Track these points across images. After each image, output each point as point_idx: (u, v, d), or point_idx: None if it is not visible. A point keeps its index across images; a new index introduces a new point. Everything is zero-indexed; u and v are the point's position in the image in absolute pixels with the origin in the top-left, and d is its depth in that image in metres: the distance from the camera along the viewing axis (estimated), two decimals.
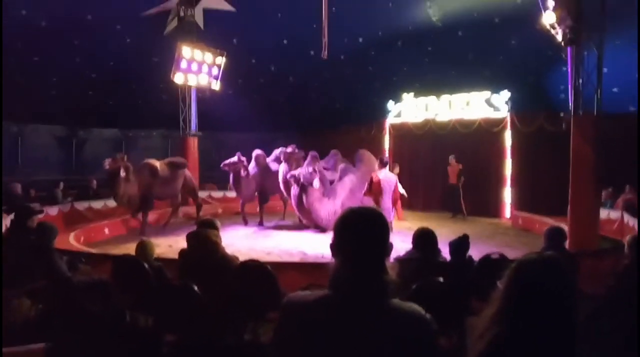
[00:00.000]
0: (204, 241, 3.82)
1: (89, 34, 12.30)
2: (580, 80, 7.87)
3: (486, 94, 12.67)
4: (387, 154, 13.99)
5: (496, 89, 12.56)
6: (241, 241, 9.19)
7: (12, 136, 14.76)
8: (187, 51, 12.21)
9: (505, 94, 12.44)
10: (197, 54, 12.41)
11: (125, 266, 3.68)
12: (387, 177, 9.15)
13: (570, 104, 8.02)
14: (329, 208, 9.54)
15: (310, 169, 9.53)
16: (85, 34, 12.31)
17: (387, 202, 8.81)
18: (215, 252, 3.81)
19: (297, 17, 12.57)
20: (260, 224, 11.05)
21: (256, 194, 11.29)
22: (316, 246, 8.44)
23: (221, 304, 3.12)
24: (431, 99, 13.48)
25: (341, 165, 10.38)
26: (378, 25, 13.77)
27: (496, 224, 11.75)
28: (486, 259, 4.17)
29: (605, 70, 7.92)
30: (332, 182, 10.06)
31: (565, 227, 5.57)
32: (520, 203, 12.18)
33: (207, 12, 13.17)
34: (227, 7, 12.98)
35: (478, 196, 12.58)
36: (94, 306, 2.58)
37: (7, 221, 6.24)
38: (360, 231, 1.50)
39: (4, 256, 3.48)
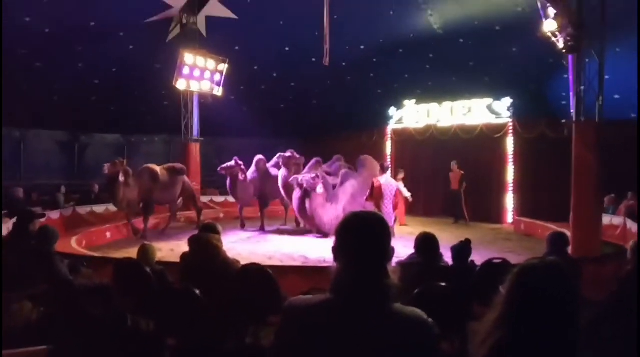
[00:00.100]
0: (205, 245, 3.83)
1: (92, 41, 12.37)
2: (582, 87, 7.88)
3: (488, 100, 12.68)
4: (388, 160, 14.00)
5: (498, 96, 12.58)
6: (242, 245, 9.19)
7: (15, 141, 14.81)
8: (190, 58, 12.27)
9: (507, 101, 12.45)
10: (200, 60, 12.46)
11: (127, 270, 3.68)
12: (388, 182, 9.17)
13: (572, 111, 8.03)
14: (331, 213, 9.53)
15: (313, 175, 9.54)
16: (88, 41, 12.37)
17: (388, 206, 8.82)
18: (217, 256, 3.81)
19: (299, 24, 12.63)
20: (262, 228, 11.05)
21: (256, 198, 11.29)
22: (318, 250, 8.44)
23: (222, 307, 3.12)
24: (433, 105, 13.50)
25: (342, 171, 10.39)
26: (379, 32, 13.82)
27: (498, 230, 11.73)
28: (488, 264, 4.17)
29: (607, 77, 7.93)
30: (333, 187, 10.07)
31: (568, 233, 5.56)
32: (522, 209, 12.16)
33: (210, 19, 13.25)
34: (229, 14, 13.05)
35: (480, 201, 12.57)
36: (95, 310, 2.58)
37: (9, 225, 6.25)
38: (362, 235, 1.50)
39: (6, 259, 3.48)
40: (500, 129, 12.49)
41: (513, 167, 12.49)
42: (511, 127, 12.39)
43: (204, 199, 13.66)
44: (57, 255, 3.97)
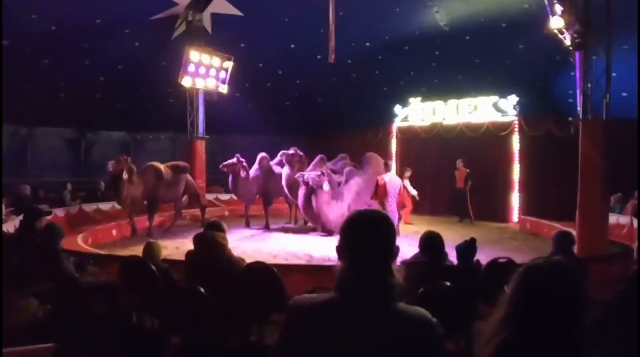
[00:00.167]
0: (210, 243, 3.84)
1: (97, 38, 12.40)
2: (589, 85, 7.83)
3: (494, 98, 12.62)
4: (394, 158, 13.98)
5: (504, 94, 12.52)
6: (247, 243, 9.20)
7: (22, 138, 14.90)
8: (195, 55, 12.28)
9: (513, 99, 12.39)
10: (205, 57, 12.47)
11: (133, 267, 3.70)
12: (392, 180, 9.15)
13: (579, 109, 7.98)
14: (337, 211, 9.53)
15: (319, 172, 9.54)
16: (94, 38, 12.41)
17: (392, 205, 8.81)
18: (222, 254, 3.82)
19: (305, 22, 12.60)
20: (266, 226, 11.07)
21: (259, 196, 11.29)
22: (322, 249, 8.43)
23: (227, 305, 3.12)
24: (438, 103, 13.45)
25: (346, 168, 10.38)
26: (385, 30, 13.77)
27: (504, 229, 11.68)
28: (494, 263, 4.16)
29: (614, 74, 7.87)
30: (338, 185, 10.06)
31: (574, 232, 5.53)
32: (528, 208, 12.10)
33: (215, 17, 13.25)
34: (235, 11, 13.04)
35: (485, 200, 12.53)
36: (100, 307, 2.60)
37: (15, 222, 6.30)
38: (366, 233, 1.50)
39: (13, 256, 3.51)
40: (506, 126, 12.43)
41: (519, 165, 12.43)
42: (517, 125, 12.33)
43: (209, 196, 13.68)
44: (63, 252, 3.99)
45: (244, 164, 10.66)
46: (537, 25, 8.90)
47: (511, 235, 10.84)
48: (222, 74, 12.92)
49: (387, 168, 9.40)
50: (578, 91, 8.00)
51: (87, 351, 2.27)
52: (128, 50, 12.97)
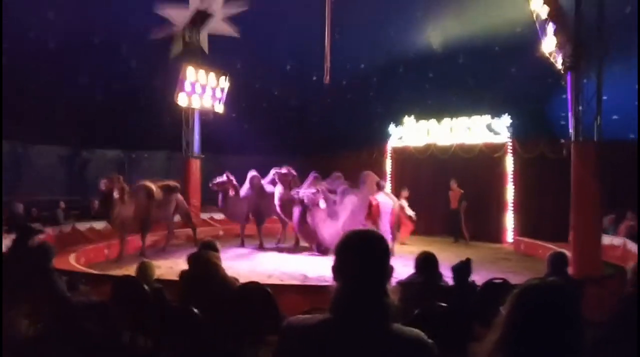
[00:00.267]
0: (204, 263, 3.81)
1: (95, 56, 12.50)
2: (580, 107, 7.93)
3: (487, 118, 12.75)
4: (388, 178, 14.01)
5: (497, 115, 12.65)
6: (242, 263, 9.12)
7: (17, 156, 14.83)
8: (191, 72, 12.35)
9: (506, 119, 12.52)
10: (201, 75, 12.55)
11: (125, 287, 3.65)
12: (385, 200, 9.19)
13: (571, 131, 8.07)
14: (332, 229, 9.51)
15: (314, 190, 9.53)
16: (92, 56, 12.50)
17: (385, 225, 8.81)
18: (216, 274, 3.79)
19: (301, 43, 12.79)
20: (260, 246, 10.99)
21: (250, 215, 11.22)
22: (318, 269, 8.39)
23: (220, 326, 3.09)
24: (432, 123, 13.56)
25: (340, 188, 10.39)
26: (380, 51, 13.99)
27: (498, 249, 11.67)
28: (489, 283, 4.15)
29: (605, 97, 7.99)
30: (334, 203, 10.05)
31: (568, 253, 5.54)
32: (521, 229, 12.13)
33: (212, 38, 13.40)
34: (232, 32, 13.21)
35: (480, 221, 12.53)
36: (92, 327, 2.57)
37: (8, 240, 6.23)
38: (361, 253, 1.50)
39: (5, 275, 3.46)
40: (500, 148, 12.54)
41: (513, 186, 12.49)
42: (510, 147, 12.44)
43: (204, 216, 13.61)
44: (55, 271, 3.94)
45: (234, 182, 10.62)
46: (529, 48, 9.06)
47: (505, 256, 10.83)
48: (218, 93, 13.00)
49: (379, 188, 9.44)
50: (570, 114, 8.11)
51: None
52: (125, 69, 13.07)
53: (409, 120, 14.03)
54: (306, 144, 16.89)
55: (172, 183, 10.69)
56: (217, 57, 13.27)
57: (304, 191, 9.58)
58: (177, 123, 13.34)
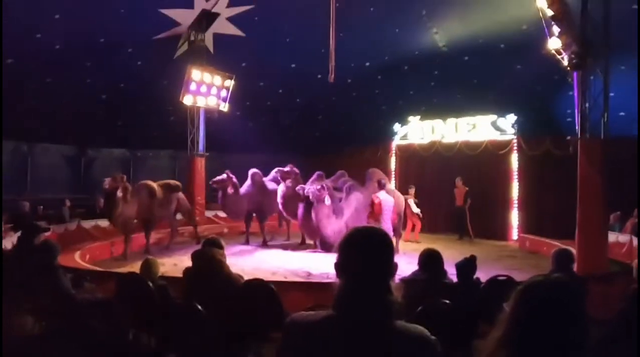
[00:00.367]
0: (208, 260, 3.82)
1: (100, 57, 12.55)
2: (587, 105, 7.89)
3: (492, 117, 12.71)
4: (393, 176, 14.01)
5: (502, 113, 12.61)
6: (246, 260, 9.16)
7: (22, 155, 14.93)
8: (197, 74, 12.40)
9: (512, 118, 12.48)
10: (207, 76, 12.59)
11: (130, 284, 3.67)
12: (387, 198, 9.21)
13: (577, 128, 8.03)
14: (336, 226, 9.51)
15: (319, 186, 9.55)
16: (97, 57, 12.55)
17: (387, 223, 8.82)
18: (220, 271, 3.80)
19: (305, 42, 12.77)
20: (264, 243, 11.01)
21: (252, 212, 11.22)
22: (322, 266, 8.39)
23: (225, 323, 3.09)
24: (437, 121, 13.53)
25: (347, 184, 10.39)
26: (385, 50, 13.95)
27: (503, 247, 11.65)
28: (493, 280, 4.14)
29: (612, 94, 7.94)
30: (339, 200, 10.07)
31: (574, 250, 5.51)
32: (527, 226, 12.09)
33: (217, 37, 13.42)
34: (237, 32, 13.22)
35: (485, 218, 12.51)
36: (97, 324, 2.57)
37: (14, 238, 6.27)
38: (364, 250, 1.49)
39: (10, 273, 3.49)
40: (505, 145, 12.49)
41: (518, 183, 12.44)
42: (516, 144, 12.39)
43: (209, 213, 13.66)
44: (60, 269, 3.96)
45: (234, 180, 10.65)
46: (535, 46, 9.01)
47: (510, 253, 10.81)
48: (223, 93, 13.03)
49: (380, 186, 9.45)
50: (576, 111, 8.06)
51: None
52: (130, 68, 13.11)
53: (414, 120, 14.01)
54: (311, 142, 16.89)
55: (172, 182, 10.71)
56: (222, 55, 13.29)
57: (309, 188, 9.60)
58: (182, 122, 13.39)
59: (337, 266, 1.52)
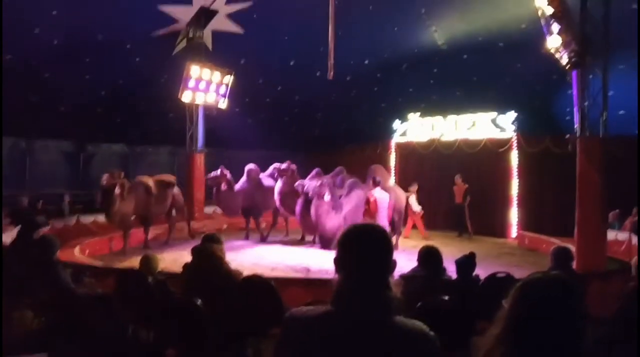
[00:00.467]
0: (208, 256, 3.82)
1: (99, 53, 12.51)
2: (586, 103, 7.90)
3: (492, 114, 12.71)
4: (392, 173, 14.02)
5: (502, 111, 12.61)
6: (245, 256, 9.16)
7: (21, 151, 14.91)
8: (196, 70, 12.36)
9: (511, 115, 12.48)
10: (205, 73, 12.55)
11: (129, 279, 3.67)
12: (382, 196, 9.23)
13: (576, 126, 8.03)
14: (335, 221, 9.53)
15: (319, 182, 9.56)
16: (96, 53, 12.52)
17: (383, 220, 8.84)
18: (219, 266, 3.80)
19: (304, 39, 12.75)
20: (263, 239, 11.01)
21: (246, 208, 11.22)
22: (321, 262, 8.41)
23: (224, 319, 3.10)
24: (437, 119, 13.53)
25: (349, 180, 10.40)
26: (384, 48, 13.94)
27: (502, 244, 11.68)
28: (492, 277, 4.15)
29: (611, 93, 7.95)
30: (339, 197, 10.07)
31: (572, 248, 5.53)
32: (526, 223, 12.11)
33: (216, 33, 13.39)
34: (236, 29, 13.20)
35: (484, 215, 12.53)
36: (96, 320, 2.58)
37: (13, 233, 6.27)
38: (363, 246, 1.50)
39: (9, 267, 3.49)
40: (505, 143, 12.50)
41: (517, 181, 12.46)
42: (515, 142, 12.40)
43: (208, 210, 13.66)
44: (59, 264, 3.97)
45: (228, 176, 10.65)
46: (534, 44, 9.01)
47: (509, 250, 10.84)
48: (222, 89, 13.00)
49: (375, 184, 9.47)
50: (575, 109, 8.07)
51: None
52: (129, 65, 13.08)
53: (413, 117, 14.01)
54: (310, 139, 16.88)
55: (167, 177, 10.64)
56: (221, 53, 13.26)
57: (309, 184, 9.61)
58: (181, 118, 13.38)
59: (336, 261, 1.53)
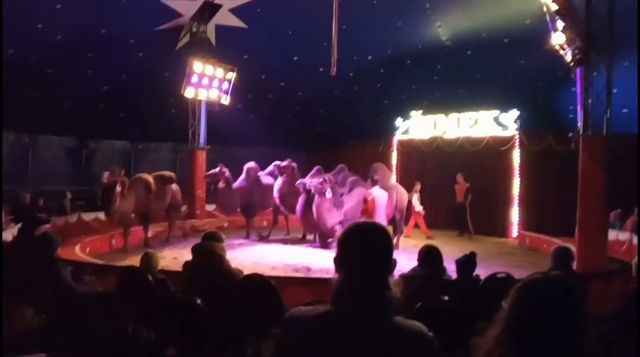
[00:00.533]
0: (208, 254, 3.82)
1: (102, 48, 12.51)
2: (590, 101, 7.85)
3: (495, 112, 12.65)
4: (394, 171, 13.99)
5: (505, 108, 12.55)
6: (246, 255, 9.16)
7: (23, 146, 14.94)
8: (199, 66, 12.35)
9: (514, 113, 12.41)
10: (208, 68, 12.54)
11: (130, 278, 3.67)
12: (380, 195, 9.22)
13: (579, 124, 7.99)
14: (336, 219, 9.52)
15: (320, 179, 9.55)
16: (99, 48, 12.52)
17: (380, 218, 8.83)
18: (220, 265, 3.80)
19: (307, 35, 12.72)
20: (263, 237, 11.00)
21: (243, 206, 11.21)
22: (321, 261, 8.40)
23: (224, 318, 3.10)
24: (439, 116, 13.49)
25: (351, 178, 10.38)
26: (387, 44, 13.90)
27: (503, 244, 11.64)
28: (492, 278, 4.14)
29: (615, 91, 7.90)
30: (341, 195, 10.06)
31: (573, 248, 5.51)
32: (527, 223, 12.06)
33: (219, 28, 13.36)
34: (239, 23, 13.17)
35: (485, 214, 12.50)
36: (96, 318, 2.58)
37: (14, 230, 6.29)
38: (363, 245, 1.49)
39: (10, 264, 3.49)
40: (507, 141, 12.45)
41: (519, 180, 12.41)
42: (518, 140, 12.35)
43: (209, 207, 13.68)
44: (60, 261, 3.97)
45: (227, 174, 10.62)
46: (538, 41, 8.96)
47: (510, 250, 10.81)
48: (225, 85, 12.99)
49: (373, 183, 9.46)
50: (579, 107, 8.03)
51: None
52: (132, 60, 13.08)
53: (416, 114, 13.97)
54: (312, 136, 16.86)
55: (167, 174, 10.50)
56: (224, 47, 13.24)
57: (311, 181, 9.60)
58: (184, 114, 13.37)
59: (336, 261, 1.52)
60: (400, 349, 1.38)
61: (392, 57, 14.19)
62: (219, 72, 12.79)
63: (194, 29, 12.87)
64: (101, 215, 11.09)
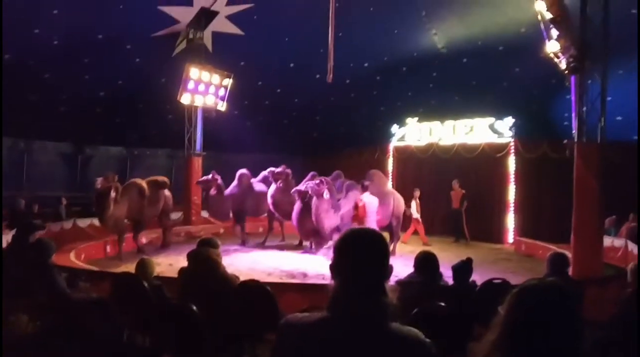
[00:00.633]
0: (204, 260, 3.81)
1: (99, 53, 12.51)
2: (584, 108, 7.89)
3: (490, 120, 12.72)
4: (390, 177, 14.01)
5: (500, 116, 12.63)
6: (242, 261, 9.13)
7: (19, 152, 14.88)
8: (195, 72, 12.36)
9: (509, 121, 12.49)
10: (205, 75, 12.55)
11: (125, 284, 3.66)
12: (371, 201, 9.23)
13: (574, 132, 8.04)
14: (333, 221, 9.50)
15: (317, 181, 9.54)
16: (96, 53, 12.52)
17: (371, 224, 8.82)
18: (216, 271, 3.79)
19: (304, 42, 12.77)
20: (243, 243, 10.93)
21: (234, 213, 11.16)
22: (318, 267, 8.38)
23: (220, 324, 3.09)
24: (435, 123, 13.54)
25: (347, 182, 10.38)
26: (384, 51, 13.97)
27: (499, 250, 11.66)
28: (489, 283, 4.14)
29: (609, 98, 7.96)
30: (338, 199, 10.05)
31: (569, 254, 5.52)
32: (523, 229, 12.11)
33: (216, 35, 13.40)
34: (236, 30, 13.21)
35: (481, 221, 12.52)
36: (91, 324, 2.56)
37: (9, 236, 6.25)
38: (359, 251, 1.49)
39: (5, 270, 3.47)
40: (502, 148, 12.51)
41: (514, 186, 12.46)
42: (513, 147, 12.41)
43: (205, 213, 13.64)
44: (55, 267, 3.95)
45: (219, 181, 10.58)
46: (533, 49, 9.03)
47: (506, 256, 10.82)
48: (221, 92, 13.00)
49: (364, 189, 9.47)
50: (573, 114, 8.07)
51: None
52: (129, 66, 13.09)
53: (412, 121, 14.02)
54: (309, 142, 16.88)
55: (160, 178, 10.36)
56: (221, 54, 13.27)
57: (309, 183, 9.58)
58: (180, 120, 13.36)
59: (333, 267, 1.52)
60: (397, 356, 1.38)
61: (388, 64, 14.27)
62: (216, 78, 12.81)
63: (191, 36, 12.91)
64: (96, 221, 11.02)
